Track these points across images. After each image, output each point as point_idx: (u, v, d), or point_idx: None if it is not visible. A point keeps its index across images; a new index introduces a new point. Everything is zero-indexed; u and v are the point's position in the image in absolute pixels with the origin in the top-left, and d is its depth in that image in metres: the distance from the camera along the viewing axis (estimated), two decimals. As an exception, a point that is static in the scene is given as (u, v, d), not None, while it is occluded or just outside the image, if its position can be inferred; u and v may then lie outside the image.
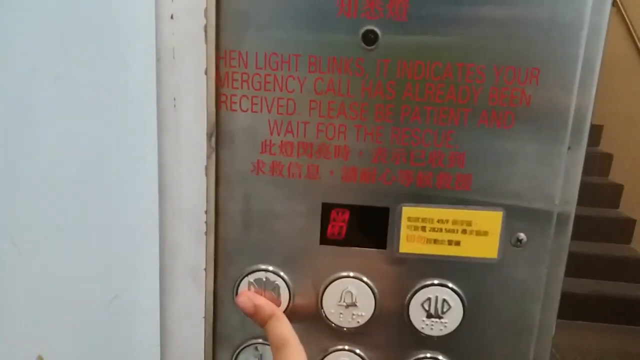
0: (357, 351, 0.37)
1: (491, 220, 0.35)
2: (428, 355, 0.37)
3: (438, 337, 0.36)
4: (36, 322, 0.29)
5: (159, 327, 0.34)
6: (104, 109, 0.29)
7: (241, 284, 0.36)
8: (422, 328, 0.36)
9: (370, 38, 0.33)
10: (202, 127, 0.32)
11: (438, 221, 0.35)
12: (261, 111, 0.34)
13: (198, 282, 0.34)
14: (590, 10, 0.32)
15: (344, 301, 0.36)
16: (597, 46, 0.33)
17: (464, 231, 0.35)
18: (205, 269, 0.34)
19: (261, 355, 0.37)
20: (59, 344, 0.30)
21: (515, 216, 0.35)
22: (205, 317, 0.35)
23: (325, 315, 0.36)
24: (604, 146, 2.13)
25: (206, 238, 0.33)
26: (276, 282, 0.36)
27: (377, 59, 0.33)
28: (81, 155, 0.29)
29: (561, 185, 0.35)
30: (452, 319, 0.36)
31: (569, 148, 0.34)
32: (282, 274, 0.36)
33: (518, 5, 0.32)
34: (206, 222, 0.33)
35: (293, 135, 0.34)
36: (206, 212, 0.33)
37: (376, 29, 0.33)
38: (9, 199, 0.28)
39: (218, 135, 0.34)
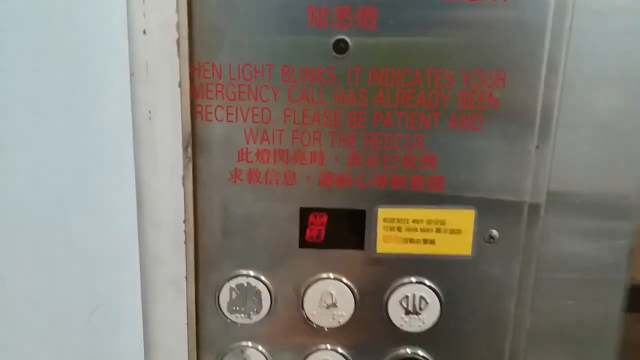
0: (339, 350, 0.38)
1: (464, 218, 0.36)
2: (408, 351, 0.38)
3: (417, 333, 0.38)
4: (20, 336, 0.30)
5: (142, 337, 0.34)
6: (80, 125, 0.30)
7: (222, 290, 0.37)
8: (401, 325, 0.37)
9: (341, 47, 0.33)
10: (178, 138, 0.33)
11: (413, 221, 0.36)
12: (237, 120, 0.35)
13: (180, 290, 0.35)
14: (552, 13, 0.34)
15: (324, 302, 0.37)
16: (560, 48, 0.34)
17: (438, 230, 0.36)
18: (186, 277, 0.35)
19: (245, 358, 0.38)
20: (45, 356, 0.31)
21: (487, 214, 0.36)
22: (188, 325, 0.36)
23: (307, 317, 0.37)
24: None
25: (186, 247, 0.34)
26: (257, 287, 0.37)
27: (348, 67, 0.34)
28: (60, 172, 0.29)
29: (531, 183, 0.36)
30: (430, 315, 0.37)
31: (537, 147, 0.36)
32: (263, 278, 0.37)
33: (483, 11, 0.33)
34: (185, 231, 0.34)
35: (269, 143, 0.35)
36: (185, 221, 0.34)
37: (346, 38, 0.33)
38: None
39: (194, 146, 0.34)
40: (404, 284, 0.37)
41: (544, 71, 0.34)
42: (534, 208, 0.36)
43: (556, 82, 0.35)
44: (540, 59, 0.34)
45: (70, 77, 0.29)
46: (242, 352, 0.38)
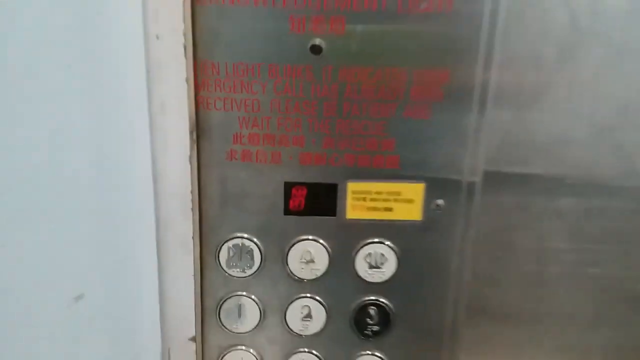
0: (317, 297, 0.47)
1: (415, 190, 0.45)
2: (372, 298, 0.47)
3: (378, 283, 0.47)
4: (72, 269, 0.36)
5: (157, 286, 0.42)
6: (106, 114, 0.37)
7: (222, 249, 0.45)
8: (366, 277, 0.46)
9: (316, 49, 0.41)
10: (185, 125, 0.40)
11: (375, 193, 0.45)
12: (232, 110, 0.42)
13: (187, 248, 0.43)
14: (488, 21, 0.42)
15: (304, 259, 0.46)
16: (493, 48, 0.42)
17: (395, 200, 0.45)
18: (192, 238, 0.43)
19: (240, 305, 0.47)
20: (83, 298, 0.38)
21: (434, 187, 0.45)
22: (194, 277, 0.44)
23: (290, 271, 0.46)
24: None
25: (192, 213, 0.42)
26: (250, 247, 0.45)
27: (322, 66, 0.42)
28: (91, 153, 0.36)
29: (469, 162, 0.45)
30: (388, 269, 0.46)
31: (475, 132, 0.44)
32: (255, 239, 0.45)
33: (431, 21, 0.41)
34: (191, 200, 0.42)
35: (259, 129, 0.43)
36: (191, 192, 0.42)
37: (321, 42, 0.41)
38: (30, 187, 0.35)
39: (198, 131, 0.42)
40: (368, 243, 0.46)
41: (480, 69, 0.43)
42: (472, 185, 0.45)
43: (489, 78, 0.43)
44: (476, 58, 0.42)
45: (97, 76, 0.36)
46: (238, 299, 0.46)
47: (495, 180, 0.45)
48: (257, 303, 0.47)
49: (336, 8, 0.40)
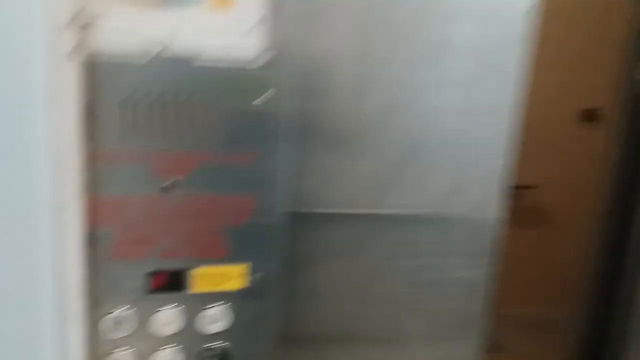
0: (176, 347, 0.69)
1: (240, 269, 0.71)
2: (215, 343, 0.71)
3: (219, 332, 0.70)
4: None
5: (60, 347, 0.61)
6: (31, 231, 0.58)
7: (104, 319, 0.66)
8: (209, 329, 0.70)
9: (168, 188, 0.66)
10: (80, 238, 0.62)
11: (213, 273, 0.70)
12: (113, 225, 0.65)
13: (80, 320, 0.63)
14: (282, 171, 0.70)
15: (165, 322, 0.68)
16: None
17: (226, 277, 0.70)
18: (84, 313, 0.63)
19: (120, 358, 0.67)
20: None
21: (254, 266, 0.71)
22: (87, 339, 0.64)
23: (154, 330, 0.68)
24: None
25: (85, 297, 0.63)
26: (127, 316, 0.67)
27: (173, 199, 0.66)
28: (20, 259, 0.57)
29: (275, 252, 0.72)
30: (226, 320, 0.70)
31: (283, 230, 0.72)
32: (129, 310, 0.67)
33: (239, 170, 0.69)
34: (85, 289, 0.63)
35: (131, 236, 0.66)
36: (85, 284, 0.63)
37: (171, 182, 0.66)
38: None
39: (93, 239, 0.64)
40: (208, 307, 0.70)
41: (279, 194, 0.71)
42: (283, 258, 0.72)
43: (294, 190, 0.71)
44: (274, 187, 0.70)
45: (24, 206, 0.58)
46: (119, 354, 0.67)
47: (302, 252, 0.72)
48: (132, 355, 0.68)
49: (181, 165, 0.66)
